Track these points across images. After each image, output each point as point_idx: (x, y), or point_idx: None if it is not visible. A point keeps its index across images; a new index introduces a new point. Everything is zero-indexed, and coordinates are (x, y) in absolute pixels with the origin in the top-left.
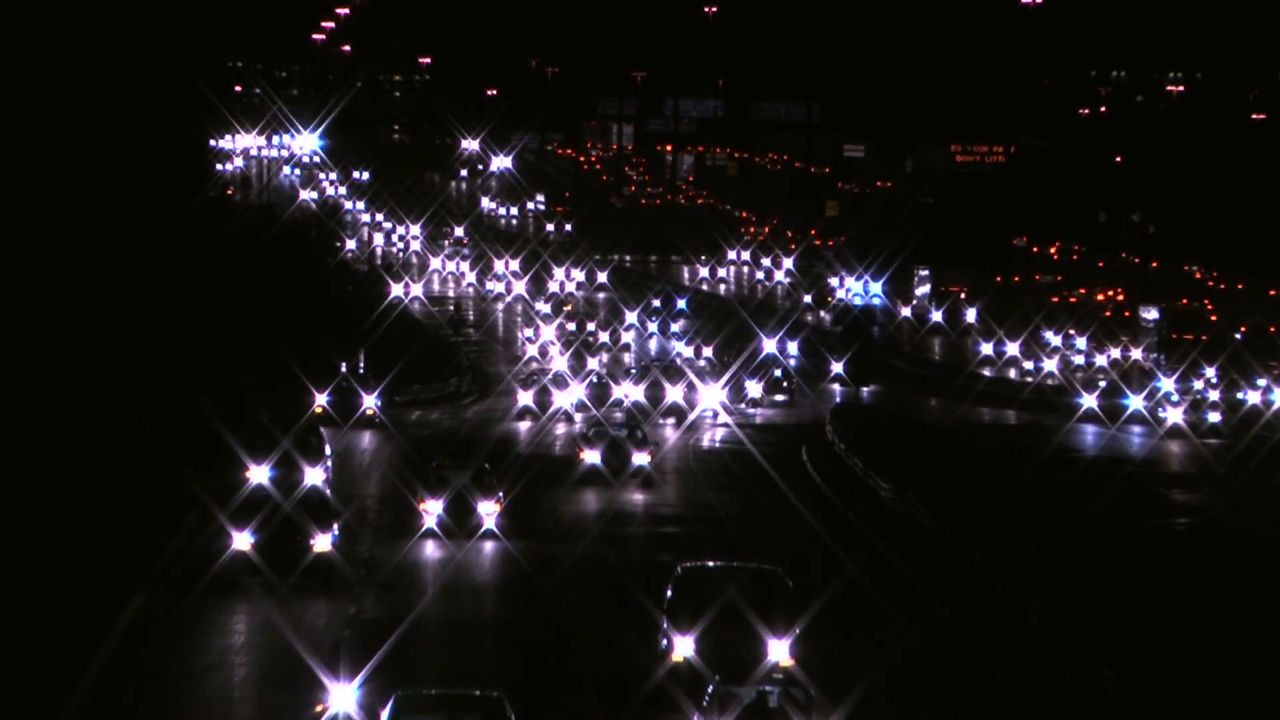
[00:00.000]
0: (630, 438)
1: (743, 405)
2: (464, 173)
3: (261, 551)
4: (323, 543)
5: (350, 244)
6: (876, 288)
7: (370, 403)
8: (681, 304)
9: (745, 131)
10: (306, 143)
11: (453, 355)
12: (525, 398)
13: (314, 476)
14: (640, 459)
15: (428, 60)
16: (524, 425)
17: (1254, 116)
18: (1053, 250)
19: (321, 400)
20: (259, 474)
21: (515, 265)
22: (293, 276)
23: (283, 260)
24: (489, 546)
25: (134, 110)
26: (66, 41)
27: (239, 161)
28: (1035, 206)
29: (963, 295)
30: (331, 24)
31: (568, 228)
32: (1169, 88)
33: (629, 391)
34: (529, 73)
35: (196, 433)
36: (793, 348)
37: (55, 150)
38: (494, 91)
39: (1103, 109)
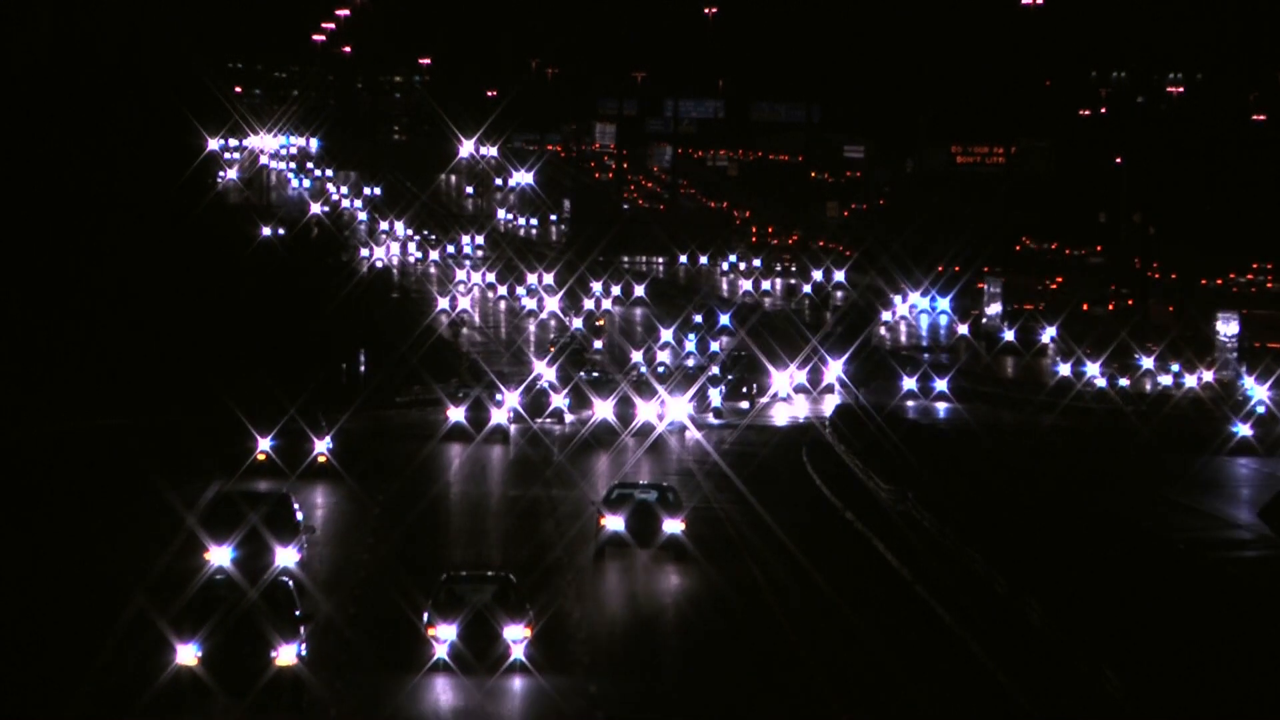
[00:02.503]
0: (660, 501)
1: (708, 416)
2: (480, 189)
3: (211, 666)
4: (287, 654)
5: (379, 253)
6: (944, 303)
7: (321, 447)
8: (725, 320)
9: (745, 132)
10: (306, 145)
11: (459, 359)
12: (456, 414)
13: (286, 558)
14: (672, 526)
15: (428, 61)
16: (454, 451)
17: (1254, 117)
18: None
19: (265, 445)
20: (220, 555)
21: (549, 279)
22: (282, 284)
23: (280, 267)
24: (518, 686)
25: (131, 111)
26: (65, 42)
27: (232, 173)
28: (1035, 207)
29: (1039, 308)
30: (331, 25)
31: (563, 225)
32: (1169, 88)
33: (600, 409)
34: (529, 73)
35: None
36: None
37: (51, 152)
38: (494, 92)
39: (1103, 109)
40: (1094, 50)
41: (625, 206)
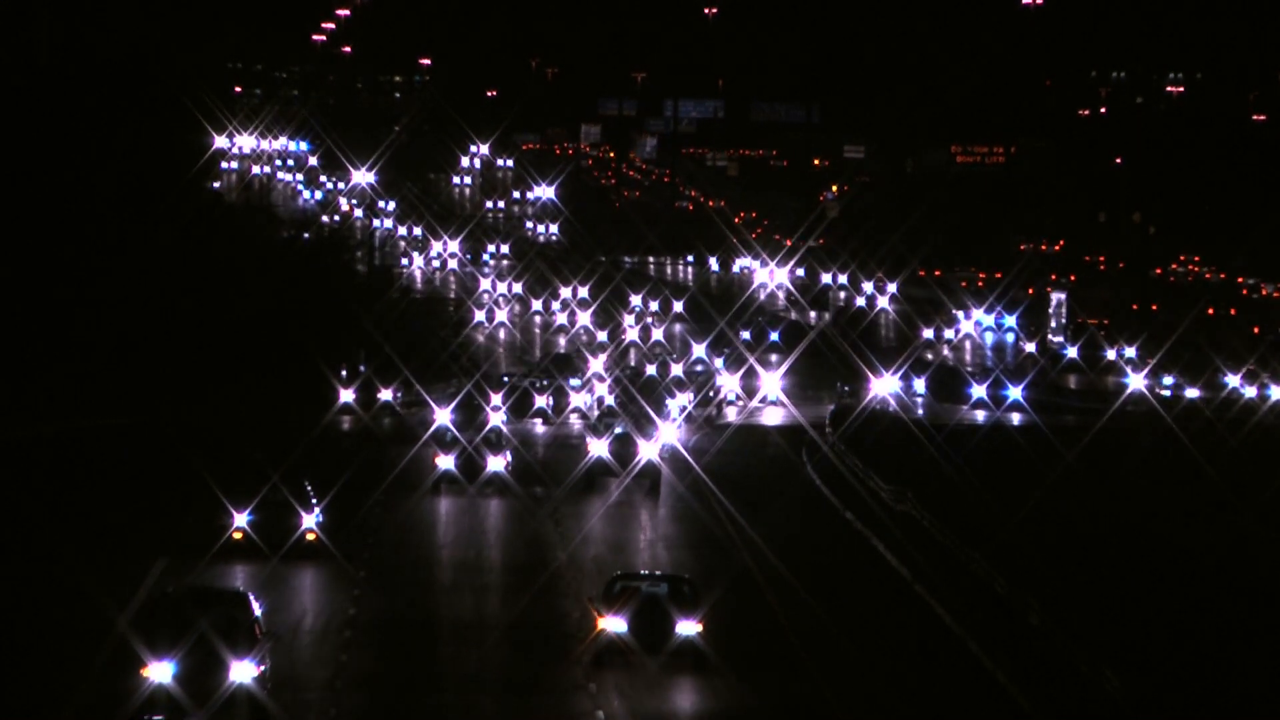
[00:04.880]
0: (673, 595)
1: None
2: (500, 204)
3: None
4: None
5: (417, 263)
6: (1010, 320)
7: (310, 522)
8: (774, 337)
9: (745, 132)
10: (311, 150)
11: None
12: (445, 461)
13: (243, 673)
14: (686, 628)
15: (428, 60)
16: (443, 506)
17: (1254, 117)
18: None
19: (242, 520)
20: (160, 672)
21: (584, 292)
22: (283, 285)
23: (282, 269)
24: None
25: (134, 111)
26: (67, 42)
27: (233, 177)
28: (1035, 206)
29: (1104, 323)
30: (331, 24)
31: (554, 230)
32: (1169, 88)
33: (595, 447)
34: (529, 73)
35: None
36: (919, 385)
37: (54, 152)
38: (494, 92)
39: (1103, 109)
40: (1094, 50)
41: (618, 204)
